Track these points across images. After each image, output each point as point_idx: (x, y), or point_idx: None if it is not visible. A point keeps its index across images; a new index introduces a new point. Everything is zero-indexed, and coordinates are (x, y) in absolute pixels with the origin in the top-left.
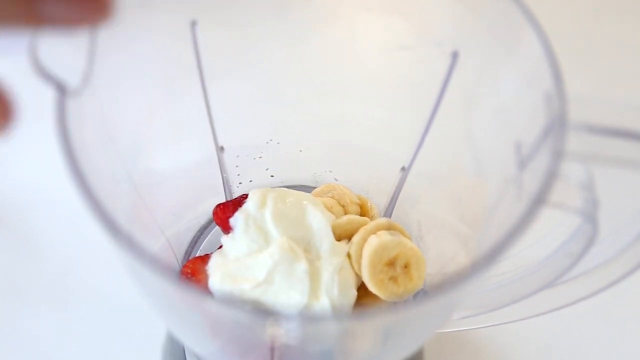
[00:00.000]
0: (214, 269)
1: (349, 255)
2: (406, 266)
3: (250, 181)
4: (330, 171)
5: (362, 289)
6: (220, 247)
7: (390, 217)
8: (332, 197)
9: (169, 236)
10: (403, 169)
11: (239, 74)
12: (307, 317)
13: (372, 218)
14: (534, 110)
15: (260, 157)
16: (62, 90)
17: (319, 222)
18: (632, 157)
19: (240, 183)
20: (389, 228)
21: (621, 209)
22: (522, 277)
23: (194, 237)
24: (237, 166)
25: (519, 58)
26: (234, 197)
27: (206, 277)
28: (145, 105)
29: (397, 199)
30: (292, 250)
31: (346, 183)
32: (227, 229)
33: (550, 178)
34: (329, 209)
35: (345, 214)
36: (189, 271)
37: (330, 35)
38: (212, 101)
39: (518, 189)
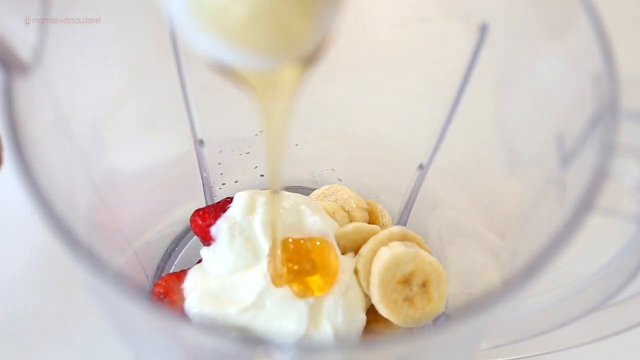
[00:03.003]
0: (191, 288)
1: (355, 272)
2: (424, 284)
3: (236, 182)
4: (333, 169)
5: (371, 312)
6: (200, 261)
7: (405, 225)
8: (335, 201)
9: (138, 248)
10: (421, 166)
11: None
12: (305, 347)
13: (383, 226)
14: (579, 96)
15: (248, 152)
16: (7, 68)
17: (319, 231)
18: None
19: (223, 184)
20: (404, 238)
21: None
22: (565, 298)
23: (167, 250)
24: (219, 163)
25: (562, 33)
26: (215, 201)
27: (182, 298)
28: (108, 89)
29: (413, 203)
30: None
31: (352, 184)
32: (207, 239)
33: (599, 177)
34: (332, 216)
35: (351, 221)
36: (162, 291)
37: None
38: (189, 84)
39: (560, 190)
